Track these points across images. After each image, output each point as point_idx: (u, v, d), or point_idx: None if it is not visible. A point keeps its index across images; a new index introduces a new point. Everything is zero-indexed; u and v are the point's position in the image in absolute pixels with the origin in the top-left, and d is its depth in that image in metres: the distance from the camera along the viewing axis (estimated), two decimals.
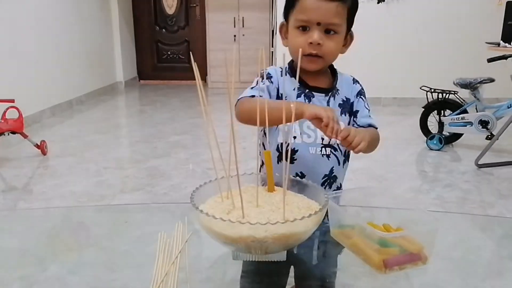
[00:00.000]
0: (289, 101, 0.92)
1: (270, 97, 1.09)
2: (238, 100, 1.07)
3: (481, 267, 0.87)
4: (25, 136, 3.28)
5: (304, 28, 1.04)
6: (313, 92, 1.11)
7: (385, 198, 0.96)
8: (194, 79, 0.75)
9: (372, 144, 1.11)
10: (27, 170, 3.10)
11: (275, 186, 0.86)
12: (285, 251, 0.79)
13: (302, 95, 1.10)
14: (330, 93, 1.13)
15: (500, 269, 0.87)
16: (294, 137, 1.10)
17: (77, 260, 0.86)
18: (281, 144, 1.11)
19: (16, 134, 3.25)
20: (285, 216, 0.74)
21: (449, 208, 2.56)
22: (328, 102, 1.12)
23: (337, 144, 1.13)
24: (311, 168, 1.10)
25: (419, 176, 3.15)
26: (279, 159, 1.10)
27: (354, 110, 1.15)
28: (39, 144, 3.34)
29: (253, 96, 1.06)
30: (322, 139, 1.11)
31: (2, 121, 3.18)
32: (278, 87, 1.11)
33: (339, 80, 1.15)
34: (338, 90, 1.14)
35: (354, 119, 1.15)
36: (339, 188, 1.19)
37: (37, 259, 0.86)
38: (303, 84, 1.10)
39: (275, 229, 0.70)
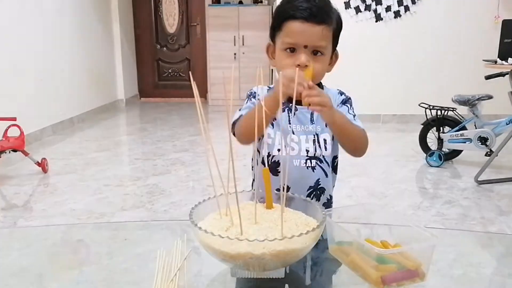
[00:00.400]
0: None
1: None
2: (233, 125, 1.12)
3: (482, 284, 0.87)
4: (26, 154, 3.29)
5: (291, 50, 1.07)
6: (296, 106, 1.13)
7: (384, 214, 0.96)
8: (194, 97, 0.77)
9: (353, 137, 1.10)
10: (28, 188, 3.10)
11: (273, 203, 0.87)
12: (283, 268, 0.79)
13: (286, 109, 1.13)
14: None
15: (502, 287, 0.87)
16: (278, 150, 1.12)
17: (76, 278, 0.86)
18: (267, 155, 1.14)
19: (17, 152, 3.26)
20: (283, 232, 0.74)
21: (449, 224, 2.55)
22: (312, 114, 1.15)
23: (323, 156, 1.15)
24: (295, 180, 1.10)
25: (419, 192, 3.15)
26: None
27: None
28: (40, 161, 3.35)
29: (241, 115, 1.12)
30: (307, 151, 1.13)
31: (4, 139, 3.20)
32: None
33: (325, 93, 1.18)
34: None
35: None
36: (328, 200, 1.21)
37: (37, 277, 0.86)
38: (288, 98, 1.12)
39: (273, 245, 0.71)
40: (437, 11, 5.07)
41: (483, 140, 3.44)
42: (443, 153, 3.61)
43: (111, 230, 1.16)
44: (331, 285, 0.88)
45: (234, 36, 6.54)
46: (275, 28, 1.11)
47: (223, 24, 6.50)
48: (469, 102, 3.50)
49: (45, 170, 3.37)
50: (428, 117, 3.67)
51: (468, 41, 5.06)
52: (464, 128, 3.56)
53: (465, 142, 3.52)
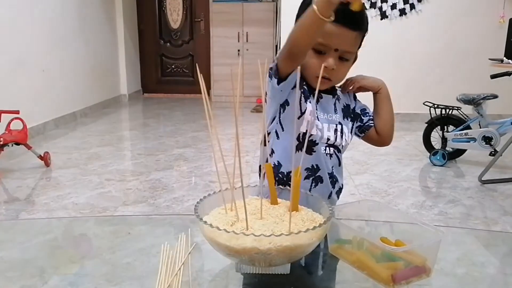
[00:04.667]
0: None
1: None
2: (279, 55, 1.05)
3: (485, 283, 0.86)
4: (28, 148, 3.29)
5: (320, 51, 1.06)
6: (322, 94, 1.16)
7: (387, 212, 0.96)
8: (197, 93, 0.76)
9: (393, 119, 1.22)
10: (30, 181, 3.10)
11: (278, 199, 0.86)
12: (289, 264, 0.78)
13: (311, 95, 1.13)
14: (335, 96, 1.18)
15: (505, 287, 0.86)
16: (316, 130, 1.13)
17: (78, 272, 0.85)
18: (303, 133, 1.12)
19: (20, 145, 3.26)
20: (290, 228, 0.74)
21: (452, 224, 2.54)
22: (335, 103, 1.17)
23: (342, 146, 1.17)
24: (321, 164, 1.14)
25: (422, 191, 3.14)
26: (297, 148, 1.11)
27: (360, 110, 1.22)
28: (42, 155, 3.35)
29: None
30: (328, 139, 1.14)
31: (6, 132, 3.20)
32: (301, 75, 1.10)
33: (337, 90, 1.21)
34: (339, 96, 1.20)
35: (363, 118, 1.21)
36: (341, 189, 1.22)
37: (38, 271, 0.85)
38: (310, 87, 1.13)
39: (279, 241, 0.70)
40: (443, 10, 5.04)
41: (487, 139, 3.43)
42: (447, 152, 3.59)
43: (113, 224, 1.16)
44: (334, 282, 0.87)
45: (238, 33, 6.53)
46: None
47: (227, 20, 6.49)
48: (474, 101, 3.49)
49: (47, 164, 3.37)
50: (432, 116, 3.65)
51: (474, 40, 5.04)
52: (468, 127, 3.54)
53: (469, 142, 3.50)
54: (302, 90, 1.13)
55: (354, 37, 1.05)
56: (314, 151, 1.13)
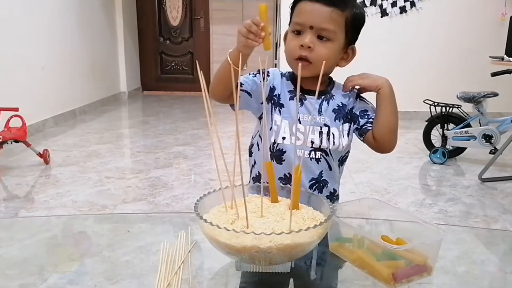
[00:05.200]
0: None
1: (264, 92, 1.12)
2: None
3: (485, 281, 0.86)
4: (28, 145, 3.28)
5: (298, 32, 1.06)
6: (305, 95, 1.12)
7: (387, 210, 0.95)
8: (197, 90, 0.76)
9: (397, 122, 1.22)
10: (29, 179, 3.10)
11: (278, 197, 0.85)
12: (289, 263, 0.78)
13: (294, 98, 1.12)
14: (323, 97, 1.13)
15: (505, 285, 0.86)
16: (283, 138, 1.11)
17: (77, 269, 0.85)
18: (272, 143, 1.13)
19: (19, 143, 3.25)
20: (290, 226, 0.73)
21: (452, 222, 2.54)
22: (320, 105, 1.13)
23: (329, 149, 1.13)
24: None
25: (422, 189, 3.13)
26: (272, 158, 1.13)
27: (359, 111, 1.16)
28: (41, 153, 3.34)
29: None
30: (312, 142, 1.11)
31: (6, 129, 3.19)
32: (272, 86, 1.15)
33: (335, 87, 1.16)
34: (333, 95, 1.15)
35: (361, 120, 1.15)
36: (332, 193, 1.19)
37: (38, 268, 0.85)
38: (303, 90, 1.11)
39: (280, 239, 0.69)
40: (443, 7, 5.03)
41: (487, 137, 3.42)
42: (447, 150, 3.58)
43: (112, 222, 1.15)
44: (336, 280, 0.86)
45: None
46: (291, 12, 1.11)
47: (227, 18, 6.48)
48: (474, 99, 3.48)
49: (46, 162, 3.36)
50: (432, 114, 3.65)
51: (474, 38, 5.03)
52: (468, 125, 3.54)
53: (469, 140, 3.50)
54: (272, 101, 1.13)
55: (329, 13, 1.02)
56: (284, 160, 1.12)
